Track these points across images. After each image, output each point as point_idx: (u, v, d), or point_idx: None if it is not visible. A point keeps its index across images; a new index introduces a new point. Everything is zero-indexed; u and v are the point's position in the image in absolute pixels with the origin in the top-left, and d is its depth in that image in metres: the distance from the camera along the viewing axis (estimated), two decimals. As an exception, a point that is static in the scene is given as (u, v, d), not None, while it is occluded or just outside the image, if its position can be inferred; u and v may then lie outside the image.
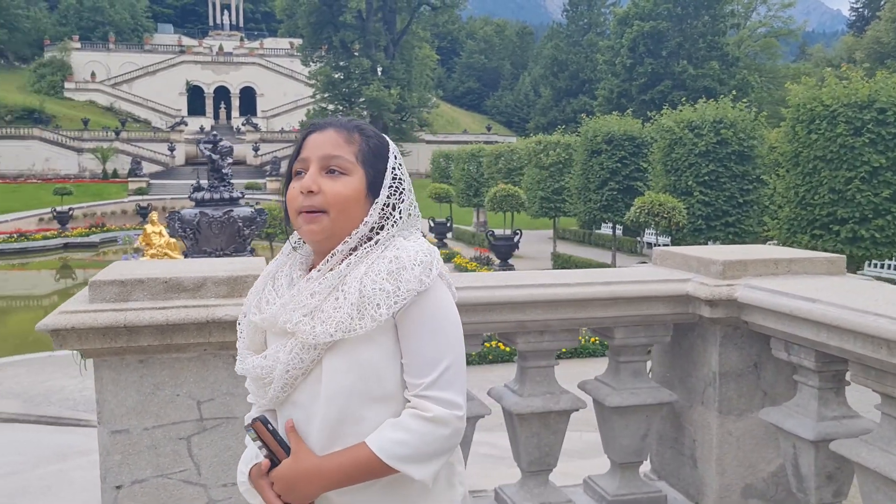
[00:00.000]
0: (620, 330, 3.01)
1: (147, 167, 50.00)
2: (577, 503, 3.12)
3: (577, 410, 2.99)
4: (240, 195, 9.78)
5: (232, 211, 8.88)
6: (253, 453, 1.56)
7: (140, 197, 41.76)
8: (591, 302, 2.84)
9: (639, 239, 27.93)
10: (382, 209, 1.57)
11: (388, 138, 1.66)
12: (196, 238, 8.83)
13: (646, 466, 3.52)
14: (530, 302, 2.78)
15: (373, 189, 1.57)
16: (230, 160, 9.80)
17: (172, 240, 21.33)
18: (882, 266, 20.50)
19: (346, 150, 1.56)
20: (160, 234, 21.74)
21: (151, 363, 2.47)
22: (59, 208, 33.15)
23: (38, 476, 6.51)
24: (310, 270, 1.61)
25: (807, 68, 47.03)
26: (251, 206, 10.59)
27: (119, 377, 2.45)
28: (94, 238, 31.41)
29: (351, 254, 1.55)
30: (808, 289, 2.68)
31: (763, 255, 3.05)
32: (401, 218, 1.58)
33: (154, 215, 23.16)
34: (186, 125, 62.31)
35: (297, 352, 1.49)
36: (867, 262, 18.80)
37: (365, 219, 1.55)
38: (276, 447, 1.48)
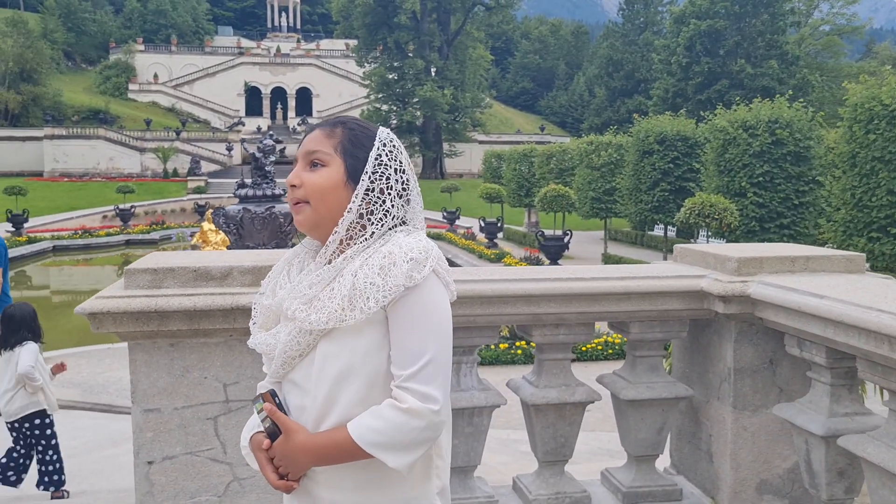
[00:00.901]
0: (636, 325, 3.07)
1: (205, 166, 51.23)
2: (592, 494, 3.18)
3: (593, 402, 3.06)
4: (282, 192, 10.05)
5: (274, 207, 9.14)
6: (256, 422, 1.67)
7: (198, 195, 42.79)
8: (605, 296, 2.90)
9: (692, 241, 27.54)
10: (367, 195, 1.62)
11: (381, 129, 1.70)
12: (240, 233, 9.11)
13: (667, 462, 3.56)
14: (545, 295, 2.86)
15: (354, 176, 1.63)
16: (273, 158, 10.05)
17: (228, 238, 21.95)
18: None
19: (326, 143, 1.64)
20: (216, 231, 22.35)
21: (181, 347, 2.62)
22: (121, 206, 34.21)
23: (91, 460, 6.82)
24: None
25: (872, 67, 45.60)
26: None
27: (151, 359, 2.61)
28: (155, 235, 32.35)
29: (347, 244, 1.63)
30: (821, 286, 2.70)
31: (779, 252, 3.08)
32: (392, 205, 1.63)
33: (209, 213, 23.88)
34: (244, 125, 63.62)
35: (295, 335, 1.60)
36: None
37: (348, 206, 1.61)
38: (280, 419, 1.58)
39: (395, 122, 56.13)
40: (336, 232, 1.61)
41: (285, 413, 1.60)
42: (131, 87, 69.96)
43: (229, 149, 55.42)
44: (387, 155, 1.65)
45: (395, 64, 55.81)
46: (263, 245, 8.98)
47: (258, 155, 9.75)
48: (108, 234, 31.67)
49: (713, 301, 2.95)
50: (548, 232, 24.98)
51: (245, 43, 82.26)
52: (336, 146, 1.65)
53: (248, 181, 9.87)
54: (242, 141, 10.37)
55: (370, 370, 1.55)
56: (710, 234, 19.05)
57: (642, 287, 2.93)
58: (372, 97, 57.03)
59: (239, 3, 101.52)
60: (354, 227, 1.63)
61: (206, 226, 22.80)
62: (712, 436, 3.18)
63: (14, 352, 5.03)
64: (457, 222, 32.37)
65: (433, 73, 56.17)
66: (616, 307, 2.94)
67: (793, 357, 2.96)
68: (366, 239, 1.61)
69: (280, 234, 9.16)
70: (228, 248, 10.14)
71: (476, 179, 51.02)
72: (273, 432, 1.58)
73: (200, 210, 36.08)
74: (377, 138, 1.67)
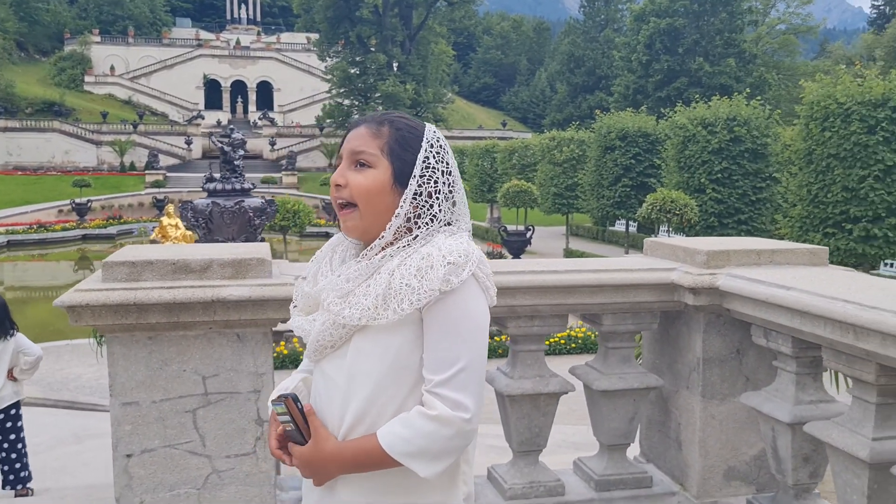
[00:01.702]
0: (608, 317, 3.13)
1: (164, 160, 50.50)
2: (566, 483, 3.25)
3: (566, 393, 3.12)
4: (251, 186, 9.98)
5: (243, 201, 9.07)
6: (289, 383, 1.69)
7: (157, 190, 42.17)
8: (578, 289, 2.96)
9: (653, 236, 27.91)
10: (415, 199, 1.58)
11: (427, 127, 1.65)
12: (208, 227, 9.03)
13: (636, 451, 3.65)
14: (521, 287, 2.91)
15: (401, 180, 1.58)
16: (242, 152, 9.98)
17: (189, 232, 21.62)
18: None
19: (372, 143, 1.60)
20: (176, 226, 21.99)
21: (160, 340, 2.62)
22: (77, 200, 33.57)
23: (54, 457, 6.72)
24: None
25: (826, 66, 46.65)
26: (262, 197, 10.78)
27: (129, 353, 2.60)
28: (112, 230, 31.83)
29: (390, 243, 1.59)
30: (786, 278, 2.80)
31: (746, 245, 3.17)
32: (440, 209, 1.59)
33: (170, 208, 23.44)
34: (203, 119, 62.82)
35: (329, 327, 1.58)
36: (882, 262, 18.73)
37: (396, 210, 1.57)
38: (303, 426, 1.57)
39: (356, 116, 55.86)
40: (382, 236, 1.58)
41: (304, 418, 1.57)
42: (87, 79, 68.54)
43: (188, 142, 54.67)
44: (434, 157, 1.61)
45: (357, 58, 55.57)
46: (233, 239, 8.91)
47: (227, 149, 9.67)
48: (64, 229, 31.08)
49: (683, 293, 3.03)
50: (510, 227, 25.15)
51: (204, 35, 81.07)
52: (383, 147, 1.60)
53: (217, 175, 9.78)
54: (211, 135, 10.28)
55: (402, 370, 1.53)
56: (670, 229, 19.37)
57: (615, 280, 3.00)
58: (334, 92, 56.71)
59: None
60: (400, 230, 1.60)
61: (166, 220, 22.47)
62: (681, 424, 3.26)
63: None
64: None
65: (395, 68, 56.07)
66: (589, 299, 3.00)
67: (759, 347, 3.05)
68: (410, 241, 1.57)
69: (249, 229, 9.10)
70: (197, 241, 10.05)
71: (439, 175, 50.96)
72: (297, 439, 1.57)
73: (159, 204, 35.56)
74: (424, 139, 1.62)
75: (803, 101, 16.31)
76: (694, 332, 3.14)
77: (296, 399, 1.59)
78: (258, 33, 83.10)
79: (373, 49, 55.73)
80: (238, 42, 77.54)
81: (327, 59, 58.04)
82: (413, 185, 1.58)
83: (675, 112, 21.22)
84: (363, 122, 1.65)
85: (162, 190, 41.96)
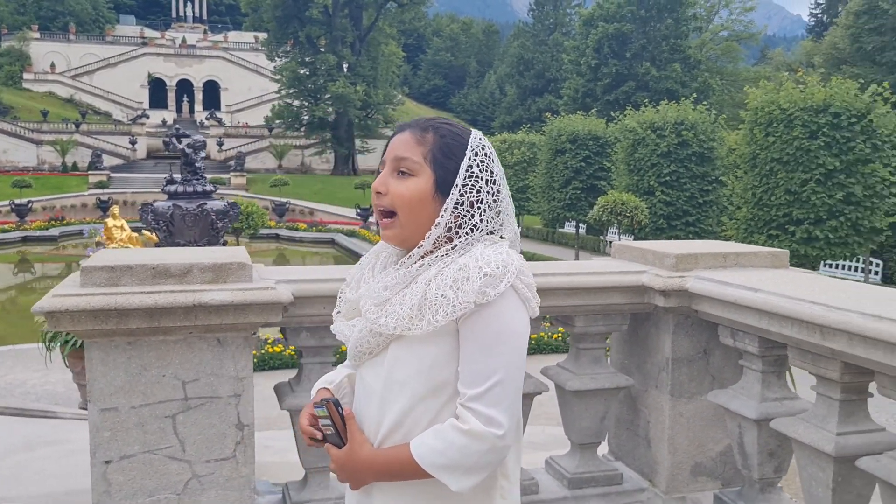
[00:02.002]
0: (580, 318, 3.21)
1: (108, 160, 49.37)
2: (539, 481, 3.31)
3: (540, 393, 3.18)
4: (213, 188, 9.86)
5: (206, 204, 8.95)
6: (333, 377, 1.74)
7: (101, 190, 41.19)
8: (553, 291, 3.02)
9: (602, 238, 28.38)
10: (456, 208, 1.56)
11: (473, 134, 1.62)
12: (169, 230, 8.89)
13: (604, 449, 3.73)
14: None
15: (443, 188, 1.57)
16: (203, 154, 9.85)
17: (135, 234, 21.20)
18: (836, 266, 21.11)
19: (416, 150, 1.58)
20: (122, 228, 21.54)
21: (139, 345, 2.60)
22: (17, 201, 32.57)
23: (6, 466, 6.54)
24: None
25: (767, 72, 47.98)
26: (224, 199, 10.65)
27: (108, 358, 2.58)
28: (54, 231, 30.97)
29: (430, 251, 1.58)
30: (752, 280, 2.91)
31: (713, 249, 3.28)
32: (482, 219, 1.57)
33: (115, 209, 22.89)
34: (148, 118, 61.58)
35: (366, 334, 1.58)
36: (822, 263, 19.36)
37: (437, 220, 1.56)
38: (342, 430, 1.59)
39: (306, 117, 55.43)
40: (421, 245, 1.57)
41: (343, 423, 1.59)
42: (26, 76, 66.62)
43: (133, 142, 53.54)
44: (478, 165, 1.58)
45: (307, 59, 55.06)
46: (195, 242, 8.78)
47: (188, 150, 9.52)
48: (4, 231, 30.13)
49: (654, 295, 3.12)
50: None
51: (149, 33, 79.59)
52: (426, 154, 1.58)
53: (177, 177, 9.61)
54: (170, 136, 10.06)
55: (437, 381, 1.52)
56: (620, 231, 19.71)
57: (588, 282, 3.07)
58: (283, 92, 56.13)
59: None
60: (441, 239, 1.58)
61: (111, 222, 21.98)
62: (650, 422, 3.36)
63: None
64: (370, 219, 32.29)
65: (345, 69, 55.75)
66: (564, 301, 3.07)
67: (725, 347, 3.16)
68: (449, 248, 1.56)
69: (212, 232, 8.98)
70: (157, 245, 9.89)
71: (389, 176, 50.85)
72: (336, 442, 1.59)
73: (103, 205, 34.74)
74: (469, 146, 1.59)
75: (748, 106, 16.76)
76: (663, 333, 3.24)
77: (337, 404, 1.61)
78: (205, 32, 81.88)
79: (322, 49, 55.31)
80: (184, 40, 76.27)
81: (276, 58, 57.41)
82: (455, 194, 1.56)
83: (625, 116, 21.61)
84: (408, 127, 1.64)
85: (106, 191, 41.02)
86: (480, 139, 1.62)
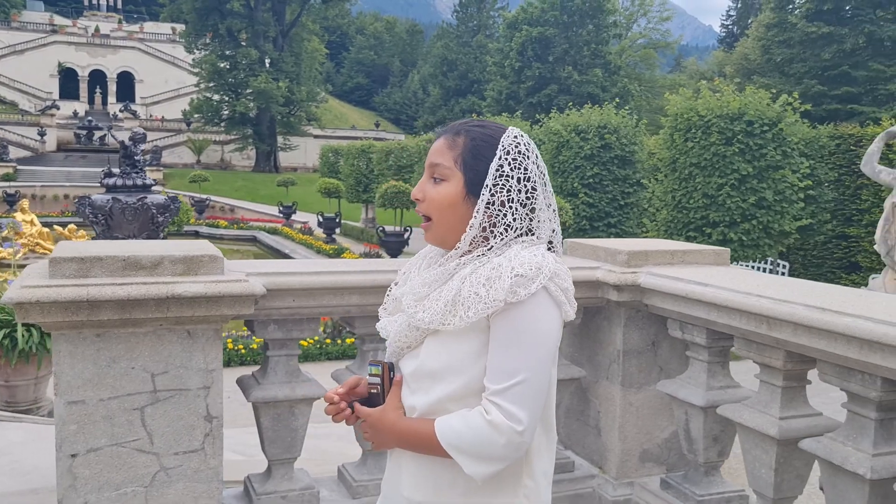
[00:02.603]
0: (537, 312, 3.33)
1: (14, 152, 47.17)
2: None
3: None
4: (153, 182, 9.62)
5: (146, 198, 8.71)
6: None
7: (7, 183, 39.31)
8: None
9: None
10: (488, 208, 1.61)
11: (507, 133, 1.65)
12: (108, 224, 8.62)
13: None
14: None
15: (474, 190, 1.61)
16: (143, 146, 9.58)
17: (45, 229, 20.38)
18: (748, 267, 22.04)
19: (447, 155, 1.64)
20: (32, 222, 20.68)
21: (108, 337, 2.58)
22: (-85, 193, 30.83)
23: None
24: None
25: (681, 80, 49.68)
26: (165, 193, 10.37)
27: (76, 350, 2.55)
28: (-44, 226, 29.44)
29: (468, 252, 1.63)
30: (700, 275, 3.09)
31: (661, 247, 3.45)
32: (514, 218, 1.60)
33: (25, 203, 22.00)
34: (59, 109, 59.20)
35: (404, 328, 1.65)
36: (735, 263, 20.20)
37: (470, 221, 1.61)
38: (386, 392, 1.68)
39: (227, 112, 54.28)
40: (458, 247, 1.63)
41: (391, 385, 1.68)
42: (-78, 61, 63.07)
43: (42, 134, 51.43)
44: (509, 164, 1.61)
45: (228, 52, 53.91)
46: (134, 236, 8.53)
47: (128, 143, 9.23)
48: None
49: (607, 290, 3.27)
50: (387, 228, 25.25)
51: (59, 20, 76.39)
52: (457, 158, 1.63)
53: (116, 170, 9.32)
54: (109, 128, 9.73)
55: (467, 375, 1.57)
56: (545, 231, 20.06)
57: (546, 277, 3.19)
58: (202, 86, 54.81)
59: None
60: (477, 240, 1.63)
61: (21, 216, 21.06)
62: (601, 412, 3.51)
63: None
64: (293, 217, 31.94)
65: (268, 65, 54.85)
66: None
67: (672, 339, 3.34)
68: (486, 249, 1.61)
69: (152, 226, 8.74)
70: (94, 238, 9.56)
71: (312, 174, 50.46)
72: (376, 403, 1.68)
73: (10, 199, 33.21)
74: (500, 146, 1.63)
75: (668, 112, 17.32)
76: (615, 327, 3.39)
77: (392, 368, 1.69)
78: (119, 21, 79.20)
79: (244, 44, 54.25)
80: (97, 29, 73.57)
81: (195, 51, 55.99)
82: (486, 194, 1.60)
83: (550, 118, 22.00)
84: (443, 132, 1.69)
85: (13, 184, 39.17)
86: (515, 137, 1.65)
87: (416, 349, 1.65)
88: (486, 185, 1.60)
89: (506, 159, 1.62)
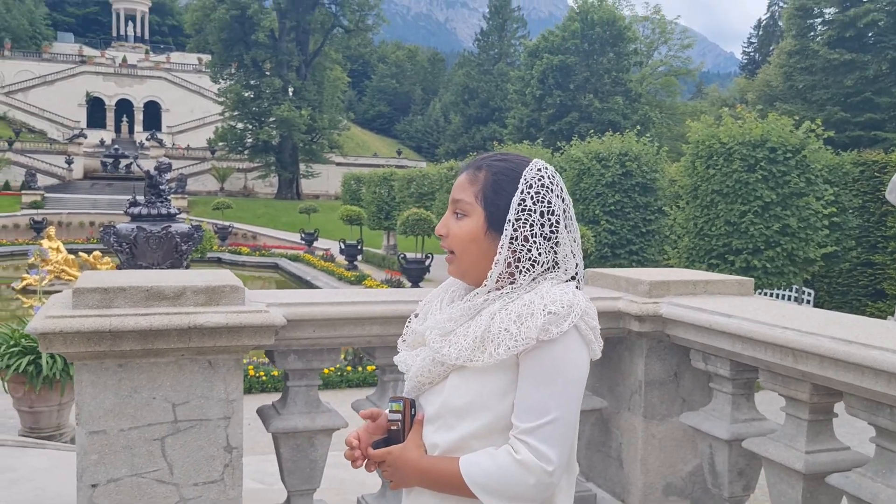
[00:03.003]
0: (558, 342, 3.30)
1: (42, 180, 48.01)
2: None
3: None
4: (177, 211, 9.74)
5: (170, 227, 8.82)
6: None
7: (34, 211, 40.01)
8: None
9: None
10: (512, 243, 1.60)
11: (530, 166, 1.64)
12: (132, 252, 8.73)
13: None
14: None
15: (496, 225, 1.60)
16: (168, 176, 9.72)
17: (71, 256, 20.64)
18: (772, 295, 21.80)
19: (468, 191, 1.64)
20: (58, 249, 20.96)
21: (130, 367, 2.59)
22: (-54, 220, 31.41)
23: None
24: None
25: (703, 107, 49.64)
26: (189, 222, 10.49)
27: (98, 380, 2.56)
28: (-17, 252, 29.92)
29: (495, 288, 1.62)
30: (724, 306, 3.06)
31: (682, 277, 3.43)
32: (539, 252, 1.59)
33: (51, 230, 22.33)
34: (86, 138, 60.14)
35: (428, 363, 1.62)
36: (758, 291, 19.99)
37: (495, 257, 1.59)
38: (407, 430, 1.65)
39: (250, 140, 54.93)
40: (485, 284, 1.61)
41: (411, 423, 1.65)
42: (-44, 91, 64.55)
43: (69, 162, 52.24)
44: (532, 198, 1.60)
45: (252, 82, 54.72)
46: (158, 265, 8.63)
47: (153, 173, 9.39)
48: (-69, 251, 29.00)
49: (629, 320, 3.25)
50: (409, 255, 25.31)
51: (88, 51, 77.99)
52: (478, 193, 1.63)
53: (141, 199, 9.46)
54: (135, 157, 9.94)
55: (493, 412, 1.55)
56: (566, 258, 20.01)
57: (567, 307, 3.18)
58: (227, 115, 55.59)
59: (81, 9, 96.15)
60: (503, 275, 1.62)
61: (47, 243, 21.36)
62: (622, 444, 3.47)
63: None
64: (315, 244, 32.13)
65: (291, 93, 55.55)
66: (543, 326, 3.16)
67: (695, 370, 3.30)
68: (513, 285, 1.60)
69: (175, 255, 8.84)
70: (119, 267, 9.68)
71: (333, 201, 50.81)
72: (397, 440, 1.65)
73: (37, 226, 33.80)
74: (522, 179, 1.61)
75: (689, 139, 17.28)
76: (636, 357, 3.36)
77: (413, 405, 1.66)
78: (146, 52, 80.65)
79: (268, 73, 55.04)
80: (125, 60, 74.96)
81: (220, 81, 56.88)
82: (508, 230, 1.59)
83: (571, 146, 22.04)
84: (466, 167, 1.69)
85: (40, 211, 39.85)
86: (539, 170, 1.63)
87: (439, 385, 1.63)
88: (509, 220, 1.59)
89: (528, 193, 1.60)
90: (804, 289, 21.54)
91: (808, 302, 21.71)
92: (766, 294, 21.67)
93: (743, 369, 3.01)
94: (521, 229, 1.59)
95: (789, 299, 22.05)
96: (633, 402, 3.40)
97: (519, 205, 1.60)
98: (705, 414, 3.17)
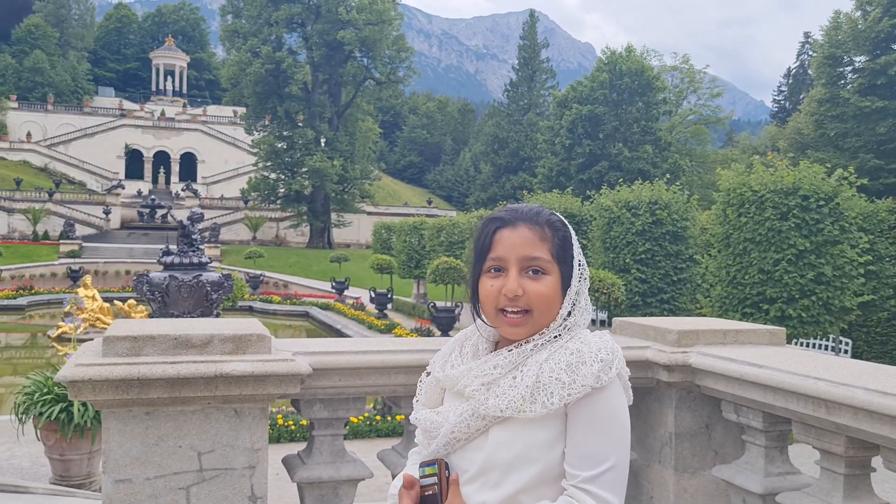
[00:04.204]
0: (586, 392, 3.27)
1: (80, 230, 49.07)
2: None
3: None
4: (208, 260, 9.90)
5: (201, 275, 8.97)
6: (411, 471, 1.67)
7: (72, 260, 40.80)
8: (561, 365, 3.09)
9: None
10: (575, 296, 1.65)
11: (566, 223, 1.68)
12: (164, 301, 8.86)
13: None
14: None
15: (567, 282, 1.63)
16: (200, 225, 9.92)
17: (106, 304, 20.95)
18: (808, 345, 21.37)
19: (542, 248, 1.62)
20: (93, 298, 21.29)
21: (157, 415, 2.61)
22: (-13, 269, 32.14)
23: (-23, 543, 6.31)
24: (496, 345, 1.71)
25: (734, 154, 49.52)
26: (220, 271, 10.66)
27: (125, 428, 2.58)
28: (22, 301, 30.46)
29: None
30: (755, 356, 3.00)
31: (712, 326, 3.38)
32: (586, 303, 1.65)
33: (87, 279, 22.72)
34: (123, 188, 61.53)
35: (467, 417, 1.57)
36: (794, 341, 19.62)
37: (560, 311, 1.61)
38: (445, 492, 1.57)
39: (283, 190, 55.75)
40: (543, 334, 1.61)
41: (448, 485, 1.58)
42: (1, 144, 66.58)
43: (107, 212, 53.37)
44: (579, 253, 1.68)
45: (285, 133, 55.79)
46: (189, 313, 8.76)
47: (186, 223, 9.60)
48: (-29, 300, 29.60)
49: (657, 370, 3.20)
50: (438, 303, 25.31)
51: (127, 105, 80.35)
52: (552, 251, 1.63)
53: (174, 248, 9.66)
54: (170, 207, 10.17)
55: (544, 463, 1.52)
56: (597, 307, 19.85)
57: (595, 357, 3.15)
58: (260, 165, 56.61)
59: (122, 64, 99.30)
60: (559, 328, 1.62)
61: (83, 291, 21.71)
62: (654, 497, 3.39)
63: None
64: (346, 292, 32.27)
65: (323, 144, 56.50)
66: (571, 376, 3.13)
67: (726, 422, 3.23)
68: (556, 334, 1.60)
69: (206, 303, 8.97)
70: (151, 315, 9.83)
71: (364, 250, 51.17)
72: (433, 502, 1.57)
73: (73, 275, 34.44)
74: (571, 236, 1.66)
75: (720, 187, 17.20)
76: (666, 408, 3.30)
77: (447, 466, 1.60)
78: (184, 105, 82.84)
79: (301, 124, 56.12)
80: (163, 113, 77.03)
81: (254, 132, 58.12)
82: (574, 285, 1.64)
83: (601, 194, 22.06)
84: (520, 220, 1.65)
85: (77, 260, 40.63)
86: (568, 226, 1.70)
87: (477, 441, 1.58)
88: (575, 277, 1.65)
89: (578, 250, 1.69)
90: (841, 338, 21.10)
91: (846, 352, 21.23)
92: (802, 344, 21.25)
93: (776, 421, 2.95)
94: (580, 283, 1.67)
95: (826, 349, 21.59)
96: (663, 455, 3.33)
97: (579, 264, 1.67)
98: (738, 467, 3.10)
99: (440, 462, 1.60)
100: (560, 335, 1.61)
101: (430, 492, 1.58)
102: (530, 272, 1.61)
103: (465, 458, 1.60)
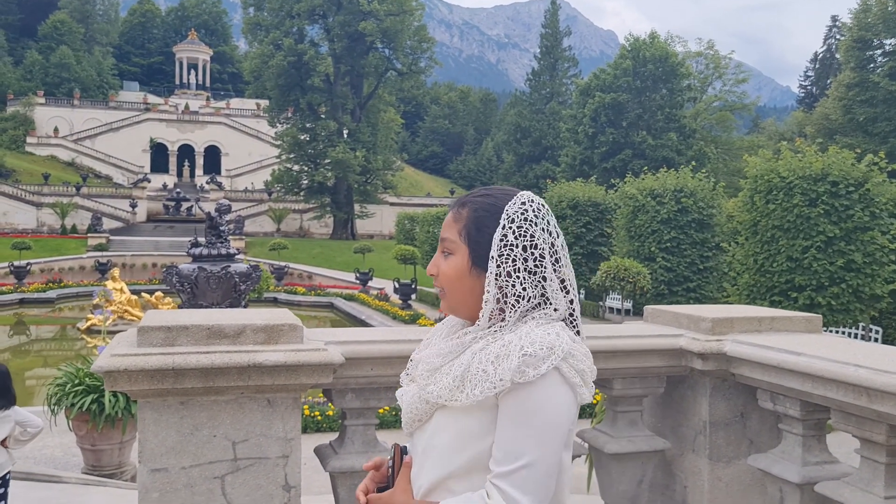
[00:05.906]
0: (619, 381, 3.24)
1: (107, 223, 49.62)
2: (576, 547, 3.29)
3: (581, 456, 3.19)
4: (236, 252, 9.96)
5: (229, 267, 9.03)
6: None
7: (99, 253, 41.27)
8: (594, 354, 3.06)
9: (601, 303, 28.45)
10: (497, 279, 1.57)
11: (512, 201, 1.62)
12: (193, 292, 8.94)
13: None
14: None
15: (479, 262, 1.59)
16: (227, 217, 9.97)
17: (134, 297, 21.18)
18: (838, 333, 21.09)
19: (453, 229, 1.64)
20: (121, 290, 21.54)
21: (191, 405, 2.62)
22: (16, 263, 32.58)
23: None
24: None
25: (760, 141, 48.90)
26: (248, 262, 10.75)
27: (161, 418, 2.59)
28: (51, 294, 30.87)
29: (488, 325, 1.60)
30: (792, 343, 2.96)
31: (747, 313, 3.33)
32: (524, 287, 1.56)
33: (115, 272, 22.97)
34: (149, 182, 62.19)
35: (416, 401, 1.62)
36: (823, 329, 19.38)
37: (484, 296, 1.58)
38: (397, 477, 1.67)
39: (305, 182, 55.99)
40: (478, 323, 1.60)
41: (400, 467, 1.66)
42: (29, 140, 67.51)
43: (133, 205, 53.94)
44: (514, 233, 1.58)
45: (308, 125, 55.97)
46: (217, 304, 8.83)
47: (213, 214, 9.66)
48: (2, 293, 30.04)
49: (691, 358, 3.16)
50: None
51: (152, 99, 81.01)
52: (461, 231, 1.62)
53: (202, 240, 9.74)
54: (196, 200, 10.28)
55: (474, 452, 1.52)
56: (622, 296, 19.75)
57: (628, 345, 3.12)
58: (283, 157, 56.87)
59: (146, 59, 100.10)
60: (495, 313, 1.59)
61: (111, 284, 21.97)
62: (687, 487, 3.35)
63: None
64: (369, 283, 32.35)
65: (345, 135, 56.61)
66: (603, 364, 3.10)
67: (762, 410, 3.19)
68: (502, 323, 1.58)
69: (234, 294, 9.03)
70: (180, 307, 9.92)
71: (387, 241, 51.26)
72: (389, 485, 1.67)
73: (101, 268, 34.84)
74: (504, 214, 1.59)
75: (747, 174, 17.00)
76: (700, 396, 3.27)
77: (404, 451, 1.68)
78: (207, 98, 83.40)
79: (323, 116, 56.26)
80: (187, 107, 77.61)
81: (277, 125, 58.39)
82: (492, 266, 1.57)
83: (625, 183, 21.93)
84: (452, 206, 1.71)
85: (105, 253, 41.09)
86: (523, 204, 1.61)
87: (427, 424, 1.61)
88: (491, 256, 1.58)
89: (510, 228, 1.58)
90: (871, 326, 20.79)
91: (877, 340, 20.93)
92: (832, 332, 20.98)
93: (814, 409, 2.90)
94: (504, 265, 1.57)
95: (856, 337, 21.30)
96: (697, 444, 3.29)
97: (501, 240, 1.58)
98: (774, 456, 3.05)
99: (395, 446, 1.69)
100: (503, 326, 1.57)
101: (388, 473, 1.69)
102: (445, 253, 1.66)
103: (420, 439, 1.64)
